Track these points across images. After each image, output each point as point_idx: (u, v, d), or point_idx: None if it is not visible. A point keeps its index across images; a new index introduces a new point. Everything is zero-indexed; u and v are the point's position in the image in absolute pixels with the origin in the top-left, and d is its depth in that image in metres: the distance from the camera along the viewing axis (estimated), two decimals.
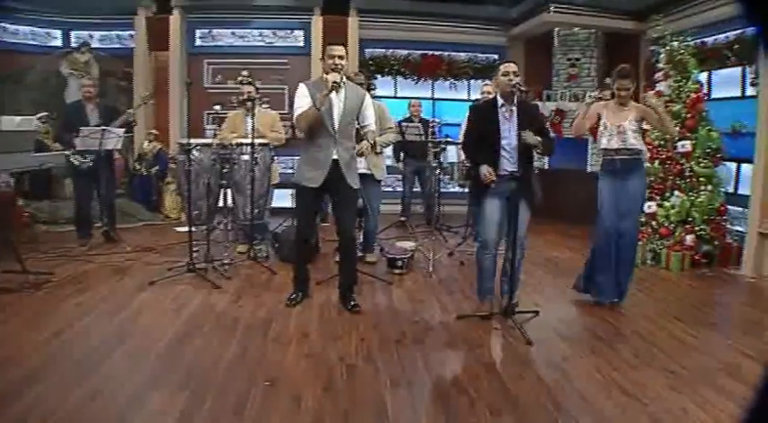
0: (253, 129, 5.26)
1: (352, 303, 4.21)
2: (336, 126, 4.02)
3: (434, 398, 2.96)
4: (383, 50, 8.98)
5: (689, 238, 5.73)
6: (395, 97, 8.87)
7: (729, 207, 5.96)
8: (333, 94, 3.95)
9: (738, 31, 6.08)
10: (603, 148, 4.32)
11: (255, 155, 5.30)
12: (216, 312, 4.09)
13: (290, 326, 3.88)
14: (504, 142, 3.98)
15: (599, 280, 4.45)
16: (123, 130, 5.74)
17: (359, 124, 4.27)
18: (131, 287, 4.64)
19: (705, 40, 6.42)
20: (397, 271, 5.24)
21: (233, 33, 8.54)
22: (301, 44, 8.62)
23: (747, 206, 5.76)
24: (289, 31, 8.64)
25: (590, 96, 4.38)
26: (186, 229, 6.71)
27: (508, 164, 3.98)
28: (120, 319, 3.94)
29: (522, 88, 3.90)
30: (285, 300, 4.30)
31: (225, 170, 5.37)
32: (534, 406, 2.88)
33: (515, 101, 3.98)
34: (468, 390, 3.02)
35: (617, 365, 3.40)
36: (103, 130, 5.50)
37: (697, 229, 5.73)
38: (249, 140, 5.29)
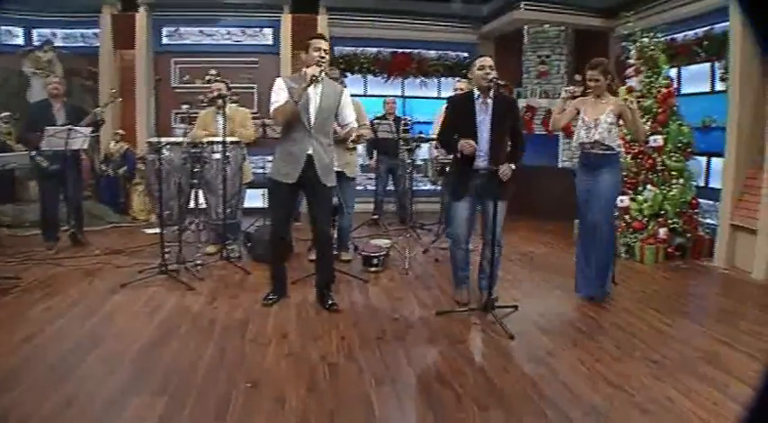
0: (224, 126, 5.14)
1: (330, 302, 4.14)
2: (312, 121, 3.96)
3: (420, 394, 2.91)
4: (353, 48, 8.91)
5: (662, 232, 5.81)
6: (365, 95, 8.78)
7: (701, 200, 6.05)
8: (310, 89, 3.90)
9: (707, 28, 6.20)
10: (580, 142, 4.34)
11: (227, 153, 5.18)
12: (191, 314, 3.97)
13: (267, 326, 3.79)
14: (480, 135, 3.98)
15: (581, 274, 4.47)
16: (91, 129, 5.55)
17: (338, 124, 4.21)
18: (102, 290, 4.48)
19: (675, 36, 6.52)
20: (372, 269, 5.20)
21: (201, 31, 8.36)
22: (270, 43, 8.49)
23: (718, 199, 5.88)
24: (257, 30, 8.49)
25: (566, 91, 4.37)
26: (155, 230, 6.60)
27: (480, 159, 3.99)
28: (92, 322, 3.79)
29: (500, 82, 3.92)
30: (261, 300, 4.22)
31: (196, 169, 5.24)
32: (521, 399, 2.86)
33: (492, 94, 3.99)
34: (453, 385, 2.98)
35: (600, 357, 3.40)
36: (69, 129, 5.31)
37: (670, 222, 5.81)
38: (220, 138, 5.17)
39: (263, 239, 5.34)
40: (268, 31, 8.49)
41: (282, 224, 4.25)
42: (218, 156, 5.25)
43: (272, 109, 3.93)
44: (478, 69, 4.00)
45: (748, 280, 5.19)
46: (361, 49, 8.91)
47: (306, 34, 8.00)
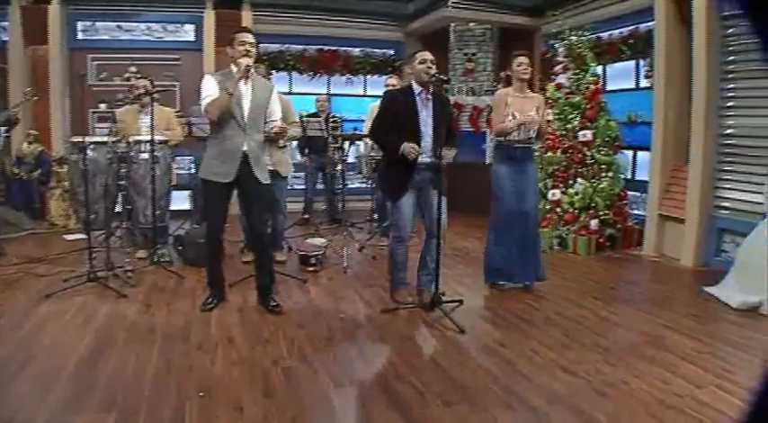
0: (152, 125, 4.84)
1: (273, 303, 4.00)
2: (246, 117, 3.81)
3: (381, 393, 2.82)
4: (278, 46, 8.70)
5: (593, 223, 6.01)
6: (290, 93, 8.57)
7: (628, 192, 6.32)
8: (242, 85, 3.77)
9: (632, 27, 6.49)
10: (511, 138, 4.39)
11: (156, 153, 4.90)
12: (127, 323, 3.70)
13: (211, 332, 3.60)
14: (423, 130, 3.95)
15: (509, 264, 4.53)
16: (4, 129, 5.10)
17: (265, 119, 4.06)
18: (25, 302, 4.09)
19: (600, 34, 6.78)
20: (310, 268, 5.08)
21: (119, 27, 7.88)
22: (192, 39, 8.13)
23: (645, 191, 6.16)
24: (179, 26, 8.12)
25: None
26: (77, 236, 6.21)
27: (423, 154, 3.95)
28: (19, 336, 3.44)
29: (443, 78, 3.92)
30: (200, 305, 4.02)
31: (123, 170, 4.92)
32: (483, 392, 2.84)
33: (431, 90, 3.98)
34: (413, 382, 2.92)
35: (551, 346, 3.45)
36: None
37: (600, 213, 6.03)
38: (148, 138, 4.89)
39: (195, 242, 5.10)
40: (190, 27, 8.12)
41: (219, 226, 4.05)
42: (145, 156, 4.96)
43: (203, 103, 3.75)
44: (419, 63, 3.94)
45: (678, 267, 5.46)
46: (286, 46, 8.72)
47: (230, 31, 7.88)
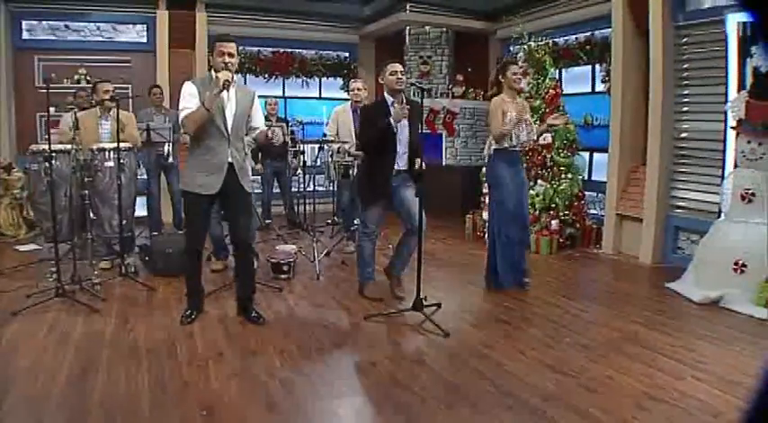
0: (118, 131, 4.71)
1: (255, 314, 3.98)
2: (230, 127, 3.76)
3: (384, 401, 2.87)
4: None
5: (554, 223, 6.25)
6: None
7: (586, 192, 6.60)
8: (224, 95, 3.70)
9: (588, 33, 6.78)
10: (516, 142, 4.56)
11: (122, 160, 4.77)
12: (107, 340, 3.58)
13: (197, 346, 3.53)
14: (399, 138, 4.16)
15: (506, 268, 4.70)
16: None
17: (247, 126, 4.03)
18: None
19: (557, 40, 7.04)
20: (283, 276, 5.05)
21: (66, 26, 7.57)
22: (144, 40, 7.92)
23: (601, 191, 6.46)
24: (130, 26, 7.88)
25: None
26: (30, 247, 5.97)
27: (400, 160, 4.21)
28: None
29: (425, 87, 4.08)
30: (180, 317, 3.94)
31: (87, 179, 4.75)
32: (480, 393, 2.94)
33: (403, 99, 4.16)
34: (411, 387, 2.99)
35: (534, 346, 3.60)
36: None
37: (561, 214, 6.28)
38: (112, 145, 4.76)
39: (163, 252, 5.01)
40: (141, 27, 7.91)
41: (200, 238, 3.98)
42: (110, 164, 4.82)
43: (181, 116, 3.66)
44: (390, 74, 4.19)
45: (637, 264, 5.76)
46: (240, 48, 8.57)
47: (183, 32, 7.73)
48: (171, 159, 6.19)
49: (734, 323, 3.97)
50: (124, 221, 4.89)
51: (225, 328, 3.87)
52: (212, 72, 3.75)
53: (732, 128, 4.61)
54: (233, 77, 3.71)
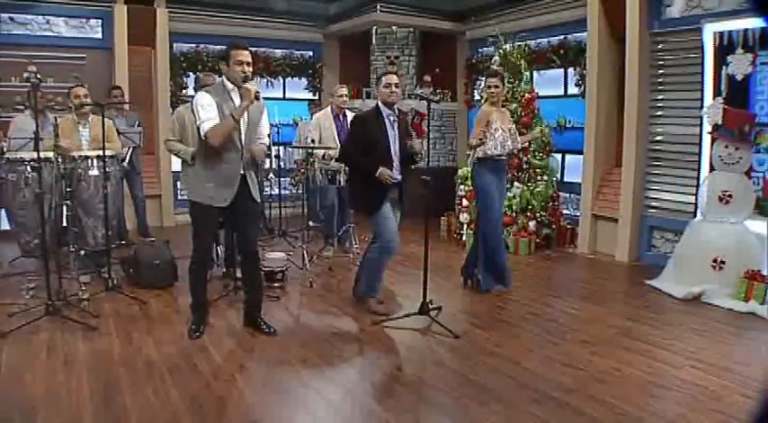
0: (104, 138, 4.80)
1: (265, 325, 4.20)
2: (243, 140, 3.95)
3: (422, 404, 3.20)
4: (194, 46, 8.68)
5: (531, 224, 6.77)
6: None
7: (560, 193, 7.16)
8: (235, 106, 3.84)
9: (561, 37, 7.34)
10: (499, 150, 4.95)
11: (107, 169, 4.88)
12: (118, 359, 3.66)
13: (215, 360, 3.71)
14: (392, 149, 4.46)
15: (490, 268, 5.13)
16: None
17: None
18: None
19: (529, 42, 7.54)
20: (276, 284, 5.28)
21: (11, 19, 7.40)
22: (99, 36, 7.87)
23: (574, 192, 7.03)
24: (83, 21, 7.80)
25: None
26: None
27: (395, 171, 4.48)
28: (0, 388, 3.27)
29: (433, 98, 4.46)
30: (188, 331, 4.10)
31: (70, 188, 4.83)
32: (507, 390, 3.32)
33: (396, 111, 4.52)
34: (442, 388, 3.33)
35: (541, 343, 4.04)
36: None
37: (537, 215, 6.79)
38: (95, 153, 4.89)
39: (150, 264, 5.13)
40: (96, 22, 7.85)
41: (209, 250, 4.18)
42: (95, 172, 4.92)
43: (205, 126, 3.74)
44: (384, 87, 4.47)
45: (615, 262, 6.36)
46: (203, 46, 8.70)
47: (142, 28, 7.76)
48: (134, 165, 6.27)
49: (717, 316, 4.55)
50: (110, 232, 4.99)
51: (237, 340, 4.06)
52: (224, 80, 3.91)
53: (708, 133, 5.21)
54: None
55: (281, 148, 7.91)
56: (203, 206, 3.96)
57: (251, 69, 3.89)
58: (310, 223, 7.02)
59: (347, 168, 5.42)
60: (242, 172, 3.96)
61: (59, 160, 4.81)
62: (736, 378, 3.43)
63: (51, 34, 7.68)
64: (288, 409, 3.10)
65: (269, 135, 5.31)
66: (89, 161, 4.94)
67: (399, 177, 4.53)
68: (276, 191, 7.54)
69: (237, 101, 3.86)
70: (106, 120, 5.33)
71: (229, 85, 3.89)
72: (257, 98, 3.81)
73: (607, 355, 3.82)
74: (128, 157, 6.33)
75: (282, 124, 8.24)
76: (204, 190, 3.93)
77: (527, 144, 6.76)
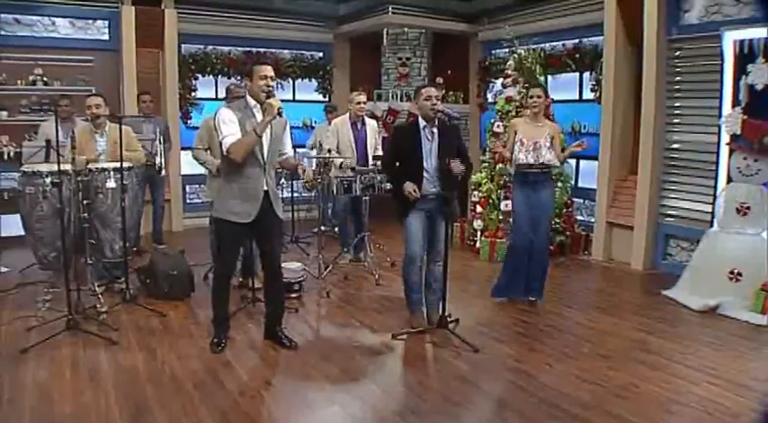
0: (121, 148, 4.95)
1: (286, 339, 4.36)
2: (266, 155, 4.09)
3: (449, 419, 3.36)
4: (202, 47, 8.83)
5: None
6: (216, 99, 8.78)
7: (573, 199, 7.33)
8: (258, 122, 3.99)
9: (576, 41, 7.48)
10: (518, 163, 5.10)
11: (125, 181, 5.03)
12: (144, 376, 3.80)
13: (240, 375, 3.86)
14: (426, 164, 4.54)
15: (510, 280, 5.29)
16: None
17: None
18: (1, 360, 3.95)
19: (543, 46, 7.68)
20: (293, 295, 5.40)
21: (17, 20, 7.54)
22: (106, 38, 8.03)
23: (588, 198, 7.21)
24: (90, 22, 7.96)
25: (498, 126, 5.13)
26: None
27: (429, 184, 4.54)
28: (27, 408, 3.33)
29: (455, 115, 4.59)
30: (210, 346, 4.26)
31: (87, 201, 4.98)
32: (527, 405, 3.49)
33: (437, 123, 4.56)
34: (464, 404, 3.51)
35: (558, 358, 4.21)
36: None
37: (553, 222, 6.94)
38: (113, 164, 5.04)
39: (168, 274, 5.30)
40: (102, 23, 8.01)
41: (233, 265, 4.34)
42: (112, 184, 5.08)
43: (227, 141, 3.91)
44: (425, 99, 4.50)
45: (630, 270, 6.55)
46: (211, 47, 8.86)
47: (151, 30, 7.91)
48: (162, 172, 6.42)
49: (733, 330, 4.73)
50: (127, 244, 5.15)
51: (259, 355, 4.23)
52: (246, 96, 4.07)
53: (726, 144, 5.36)
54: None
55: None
56: (228, 223, 4.11)
57: (274, 84, 4.05)
58: (322, 228, 7.18)
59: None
60: (265, 188, 4.10)
61: (76, 173, 4.94)
62: (754, 395, 3.58)
63: (57, 36, 7.83)
64: None
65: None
66: (106, 173, 5.08)
67: (434, 190, 4.55)
68: (288, 194, 7.71)
69: (260, 117, 4.00)
70: (126, 128, 5.38)
71: (252, 102, 4.05)
72: (280, 114, 3.96)
73: (624, 369, 3.99)
74: (157, 165, 6.32)
75: (293, 127, 8.35)
76: (228, 206, 4.09)
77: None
